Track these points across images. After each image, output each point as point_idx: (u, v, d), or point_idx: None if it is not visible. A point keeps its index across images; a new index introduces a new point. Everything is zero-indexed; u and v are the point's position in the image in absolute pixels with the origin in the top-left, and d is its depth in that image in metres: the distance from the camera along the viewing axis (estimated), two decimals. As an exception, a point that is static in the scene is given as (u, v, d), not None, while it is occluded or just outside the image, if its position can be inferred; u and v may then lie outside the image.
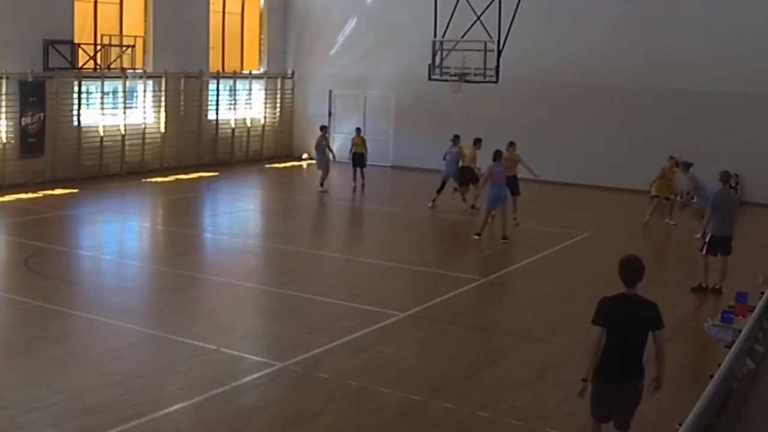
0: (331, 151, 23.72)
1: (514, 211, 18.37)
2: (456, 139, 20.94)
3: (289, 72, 30.04)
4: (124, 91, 24.29)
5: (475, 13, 20.75)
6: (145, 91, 24.95)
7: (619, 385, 6.91)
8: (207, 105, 27.06)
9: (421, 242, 17.71)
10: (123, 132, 24.38)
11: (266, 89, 29.31)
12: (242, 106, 28.58)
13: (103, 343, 10.60)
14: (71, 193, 21.34)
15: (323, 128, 23.67)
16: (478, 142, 20.31)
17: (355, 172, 23.19)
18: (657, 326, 6.82)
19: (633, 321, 6.83)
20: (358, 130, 24.20)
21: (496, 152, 17.54)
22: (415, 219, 19.91)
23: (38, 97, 21.99)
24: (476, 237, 17.11)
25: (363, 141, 23.51)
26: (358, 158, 23.27)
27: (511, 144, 19.25)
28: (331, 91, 29.21)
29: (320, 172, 22.66)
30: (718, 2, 23.05)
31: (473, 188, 20.23)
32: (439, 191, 20.44)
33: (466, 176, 20.37)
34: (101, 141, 23.83)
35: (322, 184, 22.47)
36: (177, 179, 24.15)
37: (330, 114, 29.21)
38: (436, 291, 13.40)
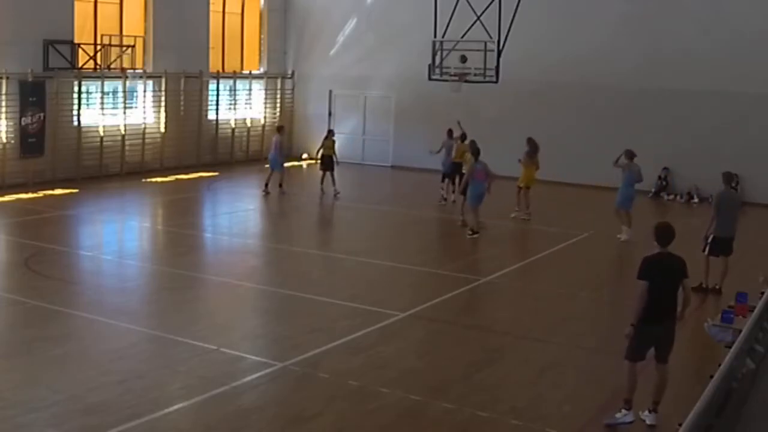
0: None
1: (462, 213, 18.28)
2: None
3: (289, 72, 30.04)
4: (124, 91, 24.29)
5: (475, 13, 20.75)
6: (145, 91, 24.95)
7: (659, 327, 8.39)
8: (207, 105, 27.06)
9: (421, 242, 17.71)
10: (123, 132, 24.38)
11: (266, 89, 29.31)
12: (242, 106, 28.58)
13: (103, 343, 10.60)
14: (71, 193, 21.35)
15: (281, 129, 23.04)
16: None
17: (323, 177, 22.16)
18: (686, 275, 8.49)
19: (671, 272, 8.39)
20: (330, 132, 23.15)
21: (475, 149, 17.79)
22: (414, 219, 19.90)
23: (38, 97, 21.99)
24: (475, 235, 17.16)
25: (333, 143, 22.40)
26: (327, 161, 22.17)
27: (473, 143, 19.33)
28: (331, 91, 29.22)
29: (279, 174, 21.96)
30: (718, 2, 23.05)
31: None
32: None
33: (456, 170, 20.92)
34: (101, 141, 23.83)
35: (280, 186, 21.90)
36: (177, 179, 24.15)
37: (330, 114, 29.22)
38: (436, 291, 13.40)
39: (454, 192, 20.66)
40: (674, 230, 8.52)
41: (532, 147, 19.77)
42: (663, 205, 23.09)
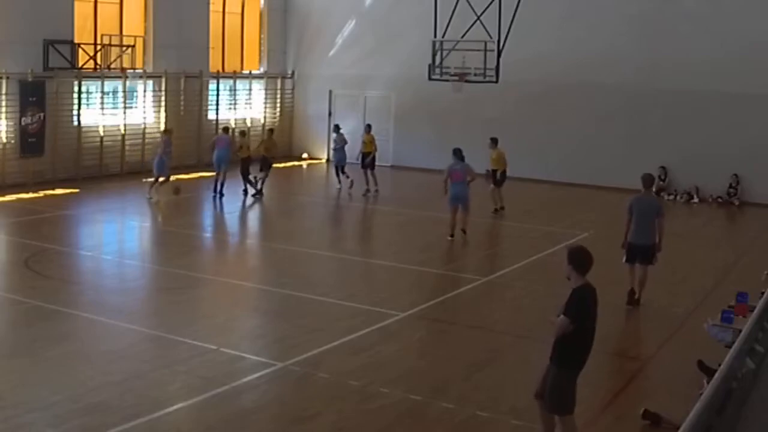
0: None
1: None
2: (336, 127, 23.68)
3: (289, 72, 30.05)
4: (124, 91, 24.30)
5: (475, 13, 20.75)
6: (145, 91, 24.96)
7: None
8: (207, 105, 27.06)
9: (422, 242, 17.70)
10: (123, 132, 24.39)
11: (266, 89, 29.32)
12: (242, 106, 28.59)
13: (103, 343, 10.60)
14: (71, 193, 21.35)
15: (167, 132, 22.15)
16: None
17: (366, 174, 22.23)
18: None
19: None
20: (368, 127, 23.16)
21: (455, 150, 17.39)
22: (415, 219, 19.91)
23: (38, 97, 21.99)
24: (450, 238, 17.00)
25: (372, 139, 22.61)
26: (366, 158, 22.31)
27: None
28: (331, 91, 29.22)
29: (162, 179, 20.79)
30: (718, 3, 23.02)
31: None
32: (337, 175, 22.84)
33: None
34: (101, 141, 23.83)
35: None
36: (177, 179, 24.09)
37: (330, 114, 29.23)
38: (436, 291, 13.41)
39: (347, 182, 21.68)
40: (591, 255, 7.44)
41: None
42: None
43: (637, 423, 8.55)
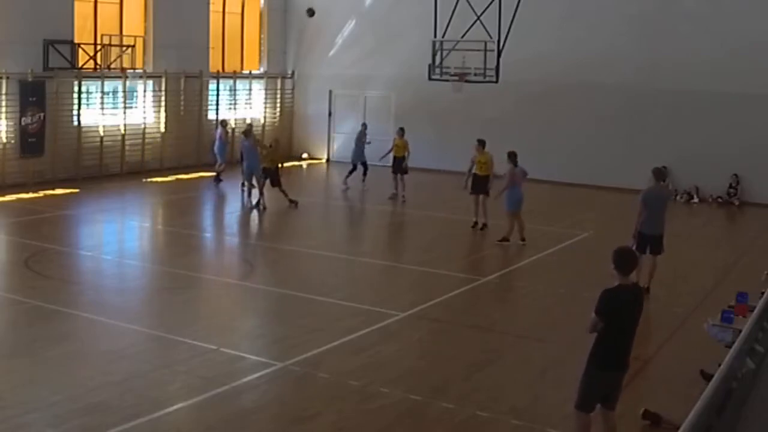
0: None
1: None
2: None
3: (289, 72, 30.05)
4: (124, 91, 24.30)
5: (475, 13, 20.76)
6: (145, 91, 24.96)
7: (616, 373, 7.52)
8: (207, 105, 27.06)
9: (422, 242, 17.71)
10: (123, 132, 24.39)
11: (266, 89, 29.32)
12: (242, 106, 28.59)
13: (103, 343, 10.60)
14: (71, 193, 21.35)
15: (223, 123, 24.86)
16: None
17: (395, 179, 21.55)
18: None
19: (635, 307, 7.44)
20: (401, 130, 21.96)
21: (509, 153, 16.85)
22: (415, 219, 19.91)
23: (38, 97, 21.99)
24: (504, 242, 16.66)
25: (405, 144, 21.61)
26: (396, 162, 21.58)
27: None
28: (331, 91, 29.22)
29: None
30: (718, 3, 23.01)
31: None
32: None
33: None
34: (101, 141, 23.83)
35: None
36: (177, 179, 24.15)
37: (330, 114, 29.22)
38: (436, 291, 13.40)
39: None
40: (636, 256, 7.86)
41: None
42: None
43: (637, 423, 8.55)
